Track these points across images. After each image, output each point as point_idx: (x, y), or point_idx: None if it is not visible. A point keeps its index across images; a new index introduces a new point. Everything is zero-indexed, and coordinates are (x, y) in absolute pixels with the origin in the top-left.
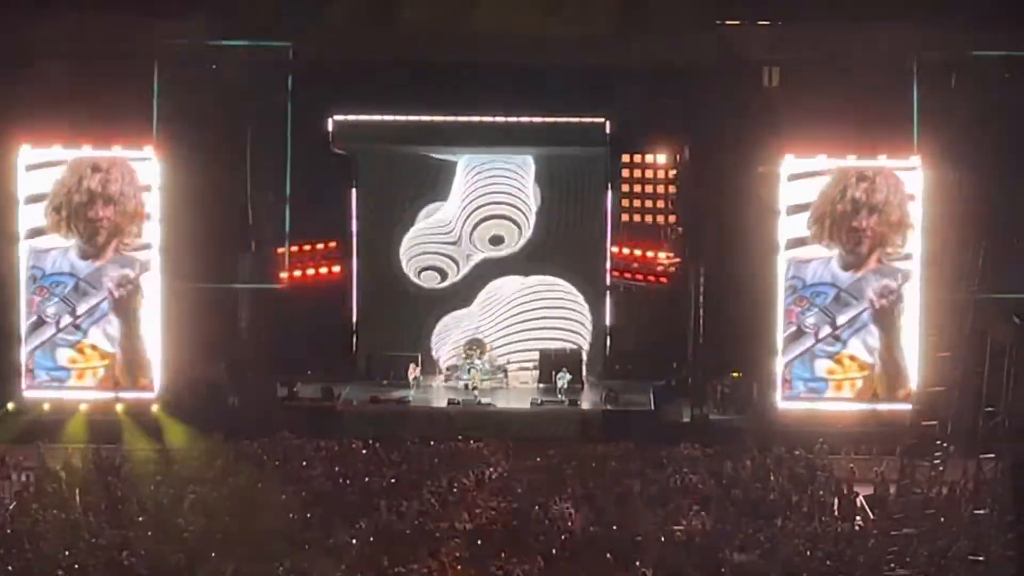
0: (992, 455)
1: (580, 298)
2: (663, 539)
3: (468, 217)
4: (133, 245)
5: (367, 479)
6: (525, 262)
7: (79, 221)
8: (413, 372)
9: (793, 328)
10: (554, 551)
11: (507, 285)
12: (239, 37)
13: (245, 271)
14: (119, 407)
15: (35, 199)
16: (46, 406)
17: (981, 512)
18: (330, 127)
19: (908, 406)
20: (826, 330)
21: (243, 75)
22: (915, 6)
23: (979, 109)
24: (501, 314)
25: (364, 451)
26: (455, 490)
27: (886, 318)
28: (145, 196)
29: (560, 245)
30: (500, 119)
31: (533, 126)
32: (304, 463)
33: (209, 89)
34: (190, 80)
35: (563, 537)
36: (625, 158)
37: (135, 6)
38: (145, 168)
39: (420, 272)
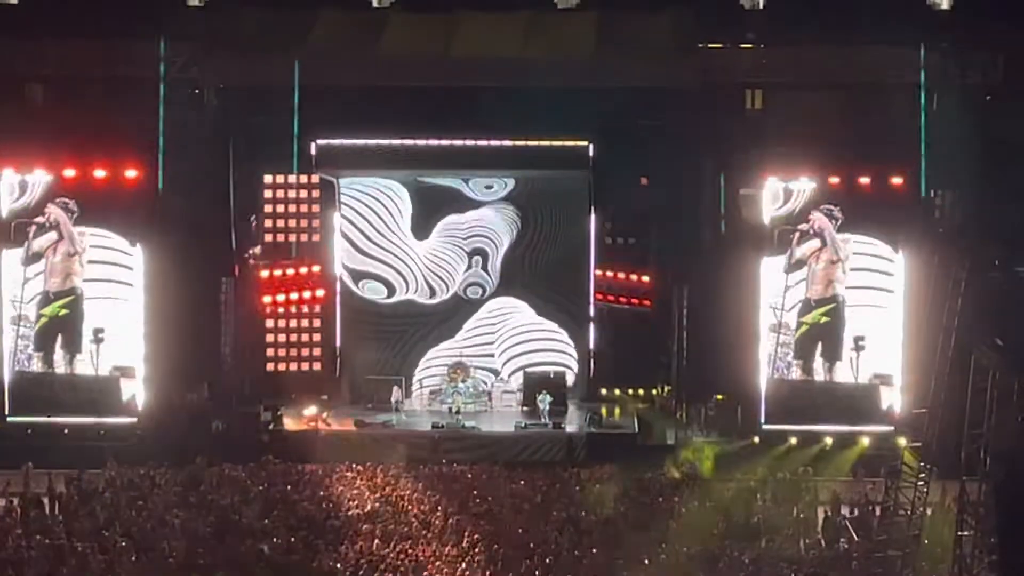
0: (975, 477)
1: (563, 321)
2: (647, 562)
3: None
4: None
5: (351, 503)
6: (509, 285)
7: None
8: (396, 395)
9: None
10: (538, 575)
11: (491, 307)
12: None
13: (228, 295)
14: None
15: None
16: (29, 431)
17: (965, 534)
18: (313, 151)
19: (891, 428)
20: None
21: (226, 100)
22: (896, 29)
23: (960, 129)
24: (485, 336)
25: (348, 475)
26: (439, 514)
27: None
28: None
29: (543, 268)
30: (483, 143)
31: (516, 150)
32: (288, 487)
33: (192, 113)
34: (173, 104)
35: (548, 561)
36: (608, 181)
37: (119, 31)
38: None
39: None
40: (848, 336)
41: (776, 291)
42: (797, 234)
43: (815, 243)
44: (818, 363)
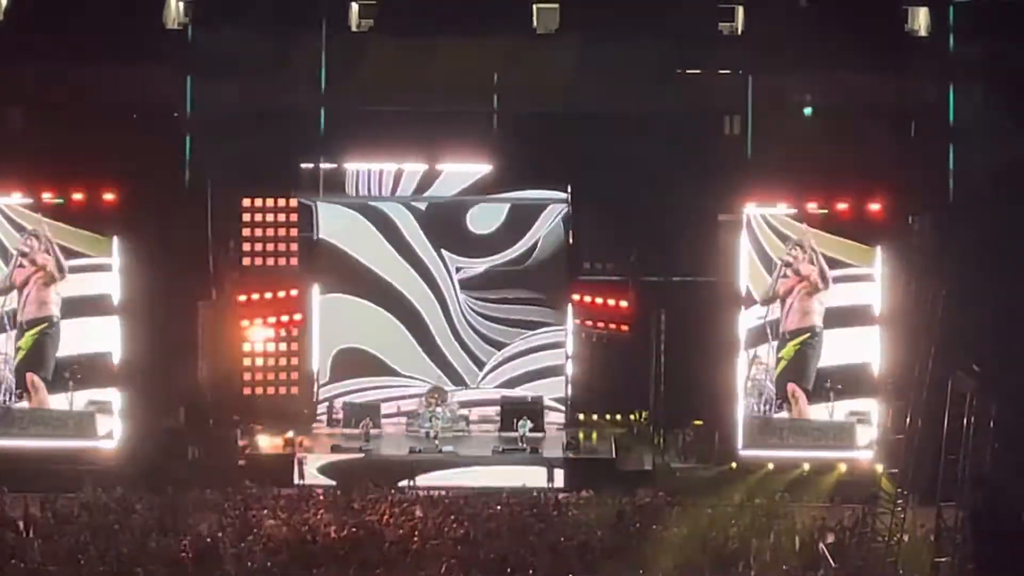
0: (953, 503)
1: (541, 345)
2: None
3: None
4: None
5: (327, 528)
6: (486, 309)
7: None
8: (364, 427)
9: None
10: None
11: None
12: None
13: (205, 320)
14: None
15: None
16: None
17: (942, 560)
18: (292, 175)
19: (869, 454)
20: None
21: (205, 123)
22: (874, 56)
23: (938, 155)
24: (464, 360)
25: (324, 499)
26: (416, 539)
27: None
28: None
29: (521, 291)
30: (461, 167)
31: (493, 173)
32: (265, 512)
33: (170, 135)
34: (151, 127)
35: None
36: (585, 205)
37: (98, 55)
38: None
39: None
40: (823, 371)
41: (751, 322)
42: (777, 267)
43: (788, 278)
44: (796, 399)
